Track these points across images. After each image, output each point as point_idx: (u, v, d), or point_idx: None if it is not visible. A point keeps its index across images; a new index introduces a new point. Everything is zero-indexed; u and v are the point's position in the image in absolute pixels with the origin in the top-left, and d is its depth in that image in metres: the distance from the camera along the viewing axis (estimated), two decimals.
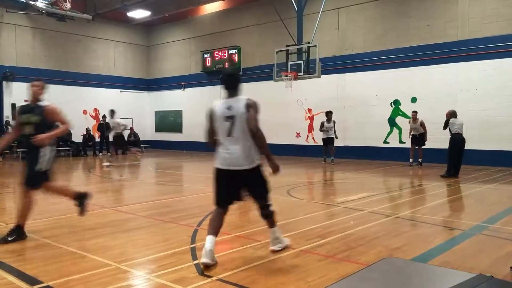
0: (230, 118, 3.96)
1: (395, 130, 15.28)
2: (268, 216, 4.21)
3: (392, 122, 15.36)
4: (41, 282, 3.46)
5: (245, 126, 3.93)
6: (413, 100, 14.69)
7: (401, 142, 15.08)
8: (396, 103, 15.23)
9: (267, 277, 3.60)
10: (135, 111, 23.34)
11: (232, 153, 3.97)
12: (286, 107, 17.90)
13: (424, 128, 13.07)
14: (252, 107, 3.99)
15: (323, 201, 7.74)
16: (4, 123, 18.23)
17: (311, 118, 17.42)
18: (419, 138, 13.20)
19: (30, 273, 3.69)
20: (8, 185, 10.09)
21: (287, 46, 14.81)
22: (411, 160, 13.38)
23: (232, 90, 4.14)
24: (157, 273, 3.70)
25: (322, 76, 14.29)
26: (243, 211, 6.94)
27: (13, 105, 18.94)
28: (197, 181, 10.99)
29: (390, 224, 5.71)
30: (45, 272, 3.71)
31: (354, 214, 6.24)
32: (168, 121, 23.40)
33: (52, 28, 19.70)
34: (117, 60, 22.87)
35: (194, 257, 4.14)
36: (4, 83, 18.68)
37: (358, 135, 16.02)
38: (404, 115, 14.92)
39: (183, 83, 22.32)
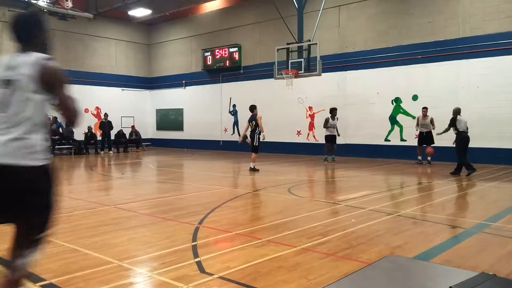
0: (7, 84, 2.43)
1: (396, 128, 15.25)
2: (20, 268, 2.45)
3: (393, 120, 15.33)
4: (43, 280, 3.48)
5: (31, 98, 2.41)
6: (414, 98, 14.67)
7: (402, 140, 15.07)
8: (397, 101, 15.20)
9: (269, 275, 3.60)
10: (137, 109, 23.39)
11: (2, 140, 2.39)
12: (286, 105, 17.89)
13: (433, 125, 12.88)
14: (54, 72, 2.47)
15: (324, 199, 7.74)
16: None
17: (312, 116, 17.40)
18: (425, 136, 13.01)
19: (32, 270, 3.69)
20: None
21: (288, 44, 14.79)
22: (419, 158, 13.30)
23: (25, 41, 2.55)
24: (159, 270, 3.71)
25: (322, 74, 14.27)
26: (244, 209, 6.95)
27: None
28: (198, 179, 10.99)
29: (391, 222, 5.70)
30: (47, 269, 3.72)
31: (355, 212, 6.24)
32: (169, 119, 23.42)
33: (54, 27, 19.61)
34: (118, 58, 22.88)
35: (196, 254, 4.14)
36: None
37: (358, 133, 16.00)
38: (405, 113, 14.90)
39: (184, 81, 22.32)
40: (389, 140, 15.45)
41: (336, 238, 4.79)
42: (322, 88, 16.71)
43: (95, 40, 21.81)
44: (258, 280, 3.48)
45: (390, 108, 15.38)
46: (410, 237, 4.87)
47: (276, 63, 14.68)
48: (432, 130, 12.92)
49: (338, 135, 14.44)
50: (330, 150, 14.37)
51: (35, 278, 3.50)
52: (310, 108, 17.44)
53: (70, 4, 17.38)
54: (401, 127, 15.09)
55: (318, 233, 4.98)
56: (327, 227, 5.32)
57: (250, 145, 11.72)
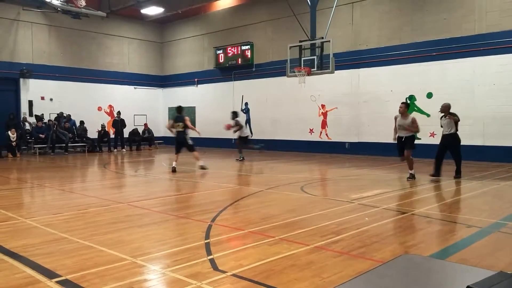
0: None
1: None
2: None
3: None
4: (59, 276, 3.52)
5: None
6: (429, 95, 14.49)
7: (416, 138, 14.85)
8: (411, 98, 15.02)
9: (282, 273, 3.59)
10: (149, 107, 23.55)
11: None
12: (299, 103, 17.82)
13: (415, 127, 9.41)
14: None
15: (337, 198, 7.68)
16: (21, 119, 18.51)
17: (325, 114, 17.31)
18: (404, 141, 9.43)
19: (48, 266, 3.74)
20: (26, 180, 10.25)
21: (300, 41, 14.72)
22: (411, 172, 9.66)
23: None
24: (172, 267, 3.72)
25: (335, 71, 14.17)
26: (256, 207, 6.94)
27: (30, 102, 19.24)
28: (211, 177, 11.02)
29: (405, 221, 5.64)
30: (62, 265, 3.76)
31: (369, 211, 6.19)
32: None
33: (67, 25, 19.93)
34: (131, 56, 23.05)
35: (209, 252, 4.15)
36: (21, 80, 18.98)
37: (372, 131, 15.87)
38: (420, 110, 14.72)
39: (196, 80, 22.39)
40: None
41: (350, 236, 4.76)
42: (335, 86, 16.60)
43: (108, 38, 22.00)
44: (271, 278, 3.47)
45: None
46: (424, 236, 4.81)
47: (288, 61, 14.63)
48: (415, 134, 9.59)
49: (252, 134, 14.34)
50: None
51: (50, 274, 3.55)
52: (323, 106, 17.35)
53: (83, 3, 17.55)
54: None
55: (331, 232, 4.95)
56: (341, 225, 5.29)
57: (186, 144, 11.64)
